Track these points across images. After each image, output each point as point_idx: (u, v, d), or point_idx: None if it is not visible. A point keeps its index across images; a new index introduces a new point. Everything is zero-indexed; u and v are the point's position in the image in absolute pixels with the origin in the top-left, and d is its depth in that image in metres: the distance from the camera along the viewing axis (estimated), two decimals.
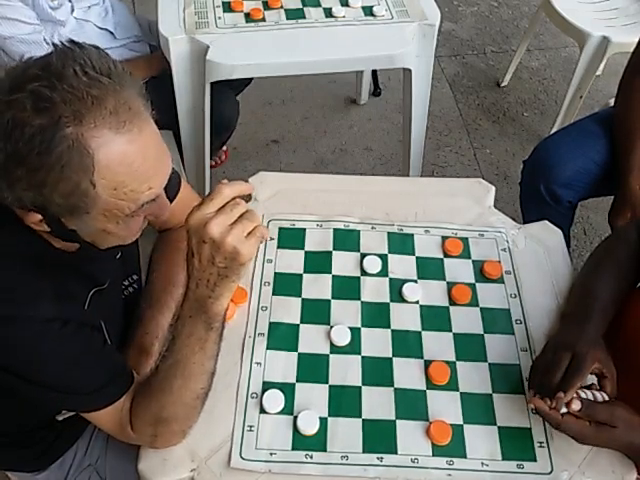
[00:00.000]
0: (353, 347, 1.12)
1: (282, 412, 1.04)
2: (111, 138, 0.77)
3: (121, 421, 0.96)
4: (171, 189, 1.10)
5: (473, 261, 1.25)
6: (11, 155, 0.75)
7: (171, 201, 1.15)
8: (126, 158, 0.78)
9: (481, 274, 1.23)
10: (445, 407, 1.05)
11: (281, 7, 1.81)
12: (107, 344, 0.97)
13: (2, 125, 0.74)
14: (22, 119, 0.74)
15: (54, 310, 0.87)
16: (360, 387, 1.07)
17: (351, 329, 1.13)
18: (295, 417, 1.02)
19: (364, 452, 1.00)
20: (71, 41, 0.80)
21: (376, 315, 1.17)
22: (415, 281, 1.22)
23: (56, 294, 0.89)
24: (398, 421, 1.04)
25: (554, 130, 2.45)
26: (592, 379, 1.01)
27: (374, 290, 1.20)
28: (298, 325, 1.15)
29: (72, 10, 1.81)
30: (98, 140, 0.76)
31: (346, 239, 1.28)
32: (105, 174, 0.78)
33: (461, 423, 1.03)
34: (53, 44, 0.80)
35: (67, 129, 0.74)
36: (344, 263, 1.24)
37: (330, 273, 1.22)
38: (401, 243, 1.28)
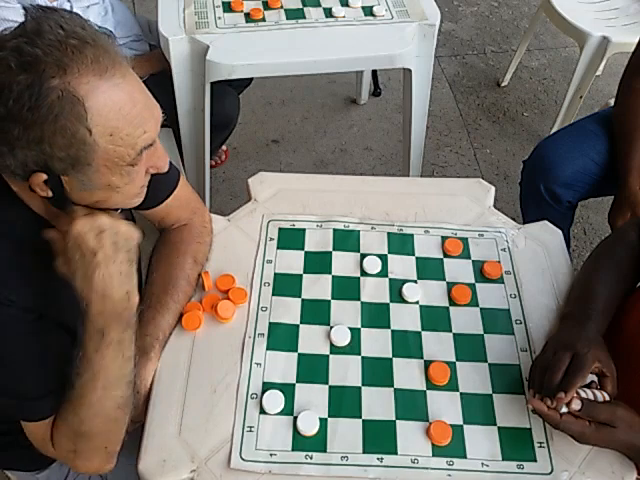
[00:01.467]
0: (353, 347, 1.12)
1: (282, 413, 1.04)
2: (97, 84, 0.78)
3: (44, 435, 0.95)
4: (170, 180, 1.10)
5: (473, 261, 1.25)
6: (5, 116, 0.76)
7: (172, 191, 1.16)
8: (115, 103, 0.80)
9: (481, 274, 1.23)
10: (445, 407, 1.05)
11: (281, 7, 1.81)
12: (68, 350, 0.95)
13: None
14: (8, 78, 0.75)
15: (33, 300, 0.88)
16: (360, 387, 1.07)
17: (351, 329, 1.13)
18: (295, 418, 1.02)
19: (364, 453, 1.00)
20: (40, 5, 0.82)
21: (376, 315, 1.17)
22: (415, 281, 1.22)
23: (43, 283, 0.89)
24: (398, 421, 1.04)
25: (554, 130, 2.45)
26: (592, 378, 1.01)
27: (374, 290, 1.20)
28: (298, 325, 1.15)
29: (71, 9, 1.81)
30: (85, 87, 0.77)
31: (346, 239, 1.28)
32: (98, 120, 0.79)
33: (461, 423, 1.03)
34: (24, 8, 0.81)
35: (53, 80, 0.75)
36: (344, 263, 1.24)
37: (330, 273, 1.22)
38: (401, 243, 1.28)
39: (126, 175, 0.86)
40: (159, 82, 1.78)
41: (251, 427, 1.02)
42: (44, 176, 0.82)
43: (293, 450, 1.00)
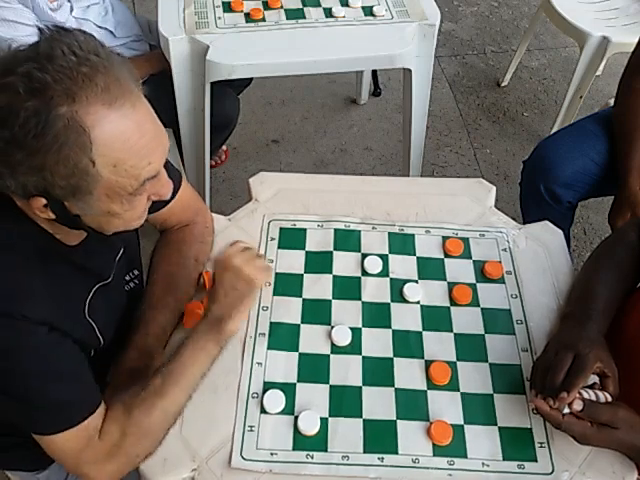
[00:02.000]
0: (354, 347, 1.12)
1: (283, 412, 1.04)
2: (105, 114, 0.77)
3: (87, 437, 0.94)
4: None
5: (474, 261, 1.25)
6: (9, 141, 0.75)
7: (174, 195, 1.15)
8: (122, 134, 0.79)
9: (482, 274, 1.23)
10: (446, 407, 1.05)
11: (281, 7, 1.81)
12: (84, 361, 0.97)
13: None
14: (16, 103, 0.74)
15: (45, 312, 0.88)
16: (361, 387, 1.07)
17: (352, 329, 1.13)
18: (296, 417, 1.02)
19: (365, 452, 1.00)
20: (56, 26, 0.80)
21: (377, 315, 1.17)
22: (416, 281, 1.22)
23: (52, 294, 0.89)
24: (399, 421, 1.04)
25: (554, 130, 2.45)
26: (594, 379, 1.01)
27: (375, 290, 1.20)
28: (299, 325, 1.15)
29: (71, 10, 1.81)
30: (93, 117, 0.76)
31: (347, 239, 1.28)
32: (103, 151, 0.78)
33: (462, 423, 1.03)
34: (39, 29, 0.80)
35: (61, 108, 0.74)
36: (345, 263, 1.24)
37: (331, 273, 1.22)
38: (402, 243, 1.28)
39: (127, 203, 0.85)
40: (159, 82, 1.78)
41: (252, 426, 1.02)
42: (44, 201, 0.82)
43: (294, 450, 1.00)
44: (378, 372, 1.09)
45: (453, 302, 1.19)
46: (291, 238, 1.28)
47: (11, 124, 0.74)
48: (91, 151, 0.77)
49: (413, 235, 1.29)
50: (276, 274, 1.21)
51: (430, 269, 1.24)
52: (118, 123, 0.78)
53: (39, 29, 0.80)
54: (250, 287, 1.03)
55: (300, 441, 1.01)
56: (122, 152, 0.79)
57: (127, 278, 1.16)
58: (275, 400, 1.04)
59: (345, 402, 1.05)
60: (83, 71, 0.76)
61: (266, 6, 1.81)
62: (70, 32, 0.79)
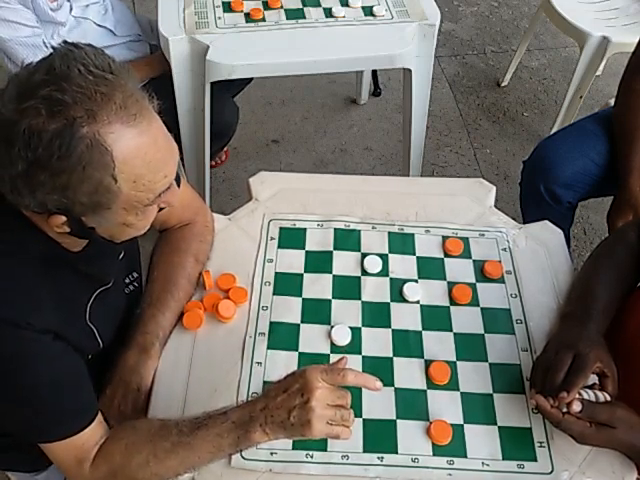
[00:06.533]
0: (353, 347, 1.12)
1: None
2: (124, 132, 0.78)
3: (78, 456, 0.93)
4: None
5: (474, 261, 1.25)
6: (32, 162, 0.76)
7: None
8: (140, 150, 0.80)
9: (482, 274, 1.23)
10: (445, 407, 1.05)
11: (281, 7, 1.81)
12: (85, 371, 0.97)
13: (18, 134, 0.74)
14: (38, 126, 0.74)
15: (50, 320, 0.88)
16: (360, 387, 1.07)
17: (352, 329, 1.14)
18: None
19: (364, 452, 1.00)
20: (66, 42, 0.81)
21: (377, 315, 1.17)
22: (416, 281, 1.22)
23: (56, 302, 0.90)
24: (398, 421, 1.04)
25: (554, 130, 2.45)
26: (593, 379, 1.01)
27: (375, 290, 1.20)
28: (299, 325, 1.15)
29: (70, 9, 1.81)
30: (113, 135, 0.77)
31: (347, 239, 1.28)
32: (123, 168, 0.79)
33: (461, 423, 1.03)
34: (52, 47, 0.81)
35: (83, 129, 0.75)
36: (345, 263, 1.24)
37: (331, 273, 1.22)
38: (402, 243, 1.28)
39: (141, 214, 0.87)
40: (160, 86, 1.78)
41: None
42: (63, 218, 0.83)
43: (294, 449, 1.00)
44: (378, 372, 1.08)
45: (453, 302, 1.19)
46: (291, 238, 1.28)
47: (34, 147, 0.75)
48: (113, 169, 0.78)
49: (413, 235, 1.29)
50: (276, 274, 1.22)
51: (430, 269, 1.24)
52: (137, 140, 0.79)
53: (52, 47, 0.80)
54: (303, 429, 0.85)
55: (300, 440, 1.00)
56: (141, 168, 0.81)
57: (127, 281, 1.16)
58: None
59: None
60: (101, 90, 0.76)
61: (266, 6, 1.81)
62: (81, 48, 0.80)
